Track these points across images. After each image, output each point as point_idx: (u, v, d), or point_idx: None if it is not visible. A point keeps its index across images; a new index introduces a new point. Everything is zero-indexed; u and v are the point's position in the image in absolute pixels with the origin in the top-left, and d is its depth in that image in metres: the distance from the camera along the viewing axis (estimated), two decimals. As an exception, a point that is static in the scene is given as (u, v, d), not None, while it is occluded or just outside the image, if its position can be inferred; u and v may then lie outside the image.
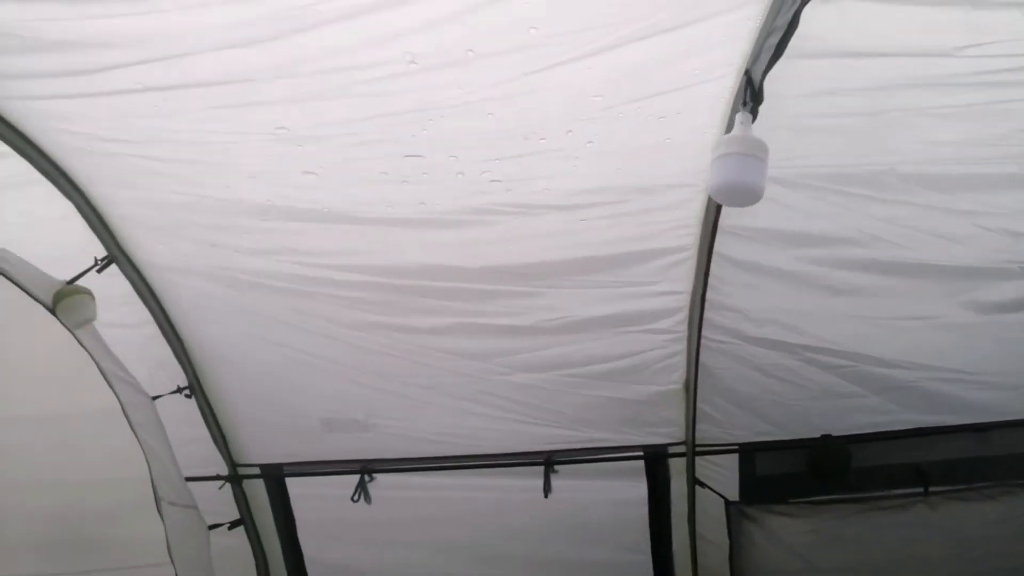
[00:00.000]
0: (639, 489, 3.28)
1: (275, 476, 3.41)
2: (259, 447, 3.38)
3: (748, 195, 1.88)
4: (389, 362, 3.00)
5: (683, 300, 2.76)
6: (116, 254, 2.69)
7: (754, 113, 1.84)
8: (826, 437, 3.06)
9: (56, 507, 3.40)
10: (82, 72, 1.97)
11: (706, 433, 3.13)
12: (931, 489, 3.07)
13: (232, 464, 3.42)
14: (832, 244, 2.58)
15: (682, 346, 2.88)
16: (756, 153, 1.82)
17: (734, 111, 2.06)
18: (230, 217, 2.52)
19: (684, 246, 2.61)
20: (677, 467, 3.24)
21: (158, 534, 2.79)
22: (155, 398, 3.10)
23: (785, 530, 3.21)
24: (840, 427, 3.05)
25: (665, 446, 3.18)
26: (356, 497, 3.34)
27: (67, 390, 2.97)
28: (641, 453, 3.20)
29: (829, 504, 3.16)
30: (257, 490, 3.47)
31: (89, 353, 2.65)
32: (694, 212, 2.49)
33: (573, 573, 3.40)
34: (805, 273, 2.65)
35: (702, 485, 3.21)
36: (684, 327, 2.82)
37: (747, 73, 1.91)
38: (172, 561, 2.73)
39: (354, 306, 2.83)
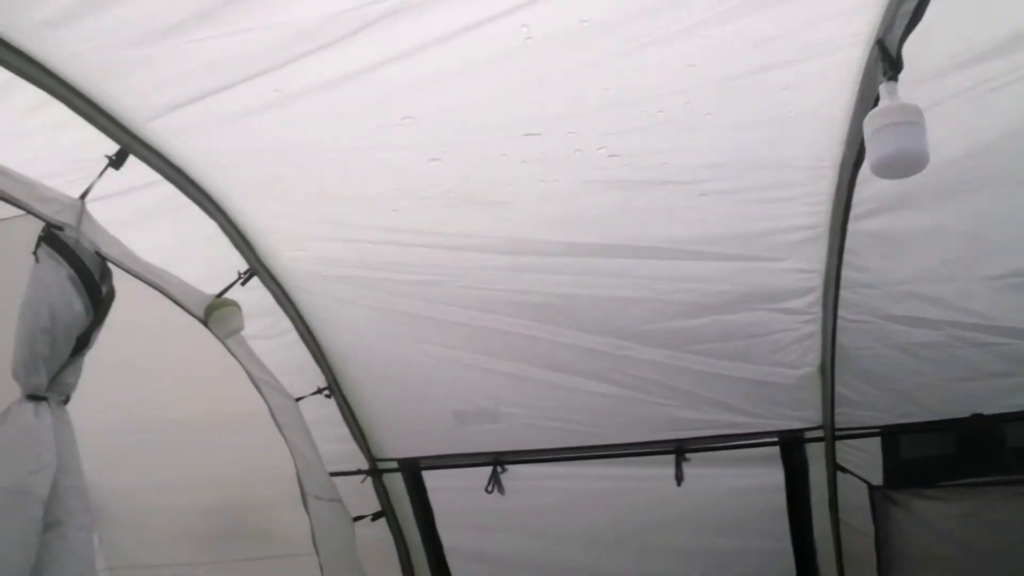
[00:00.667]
0: (775, 476, 3.20)
1: (412, 469, 3.54)
2: (396, 442, 3.52)
3: (914, 164, 1.76)
4: (517, 344, 3.02)
5: (816, 279, 2.66)
6: (257, 267, 2.85)
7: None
8: (977, 416, 2.89)
9: (214, 502, 3.66)
10: (222, 89, 2.06)
11: (845, 416, 3.02)
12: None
13: (372, 459, 3.58)
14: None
15: (816, 327, 2.78)
16: (913, 120, 1.73)
17: (865, 83, 1.97)
18: (361, 214, 2.60)
19: (813, 224, 2.51)
20: (815, 452, 3.14)
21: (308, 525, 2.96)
22: (298, 399, 3.28)
23: (934, 514, 3.06)
24: (992, 407, 2.88)
25: (801, 431, 3.09)
26: (490, 488, 3.42)
27: (221, 395, 3.19)
28: (776, 439, 3.12)
29: (982, 487, 3.00)
30: (396, 483, 3.61)
31: (239, 361, 2.84)
32: (823, 188, 2.39)
33: (711, 562, 3.37)
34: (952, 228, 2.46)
35: (843, 470, 3.11)
36: (818, 308, 2.73)
37: (879, 42, 1.82)
38: (316, 551, 2.88)
39: (481, 287, 2.85)
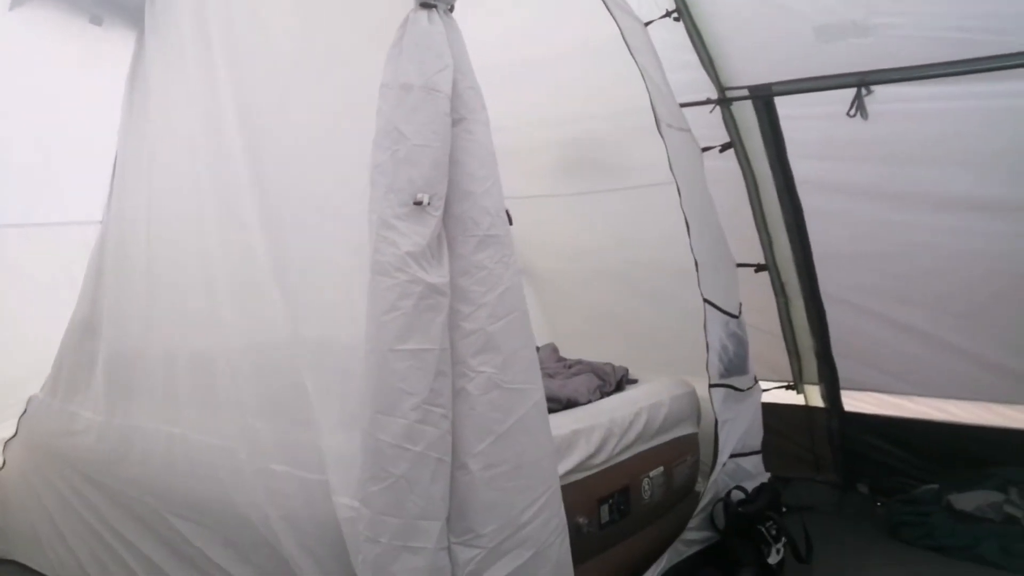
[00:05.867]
0: None
1: (764, 96, 3.40)
2: (748, 67, 3.36)
3: None
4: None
5: None
6: None
7: None
8: None
9: (570, 136, 3.90)
10: None
11: None
12: None
13: (721, 88, 3.49)
14: None
15: None
16: None
17: None
18: None
19: None
20: None
21: (657, 157, 3.01)
22: (647, 24, 3.22)
23: None
24: None
25: None
26: (853, 112, 3.18)
27: (573, 23, 3.24)
28: None
29: None
30: (746, 112, 3.52)
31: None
32: None
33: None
34: None
35: None
36: None
37: None
38: (674, 175, 2.96)
39: None
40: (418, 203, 1.84)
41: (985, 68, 2.85)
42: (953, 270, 3.33)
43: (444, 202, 1.91)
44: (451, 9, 2.06)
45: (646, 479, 2.80)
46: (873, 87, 3.13)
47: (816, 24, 3.01)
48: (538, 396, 1.98)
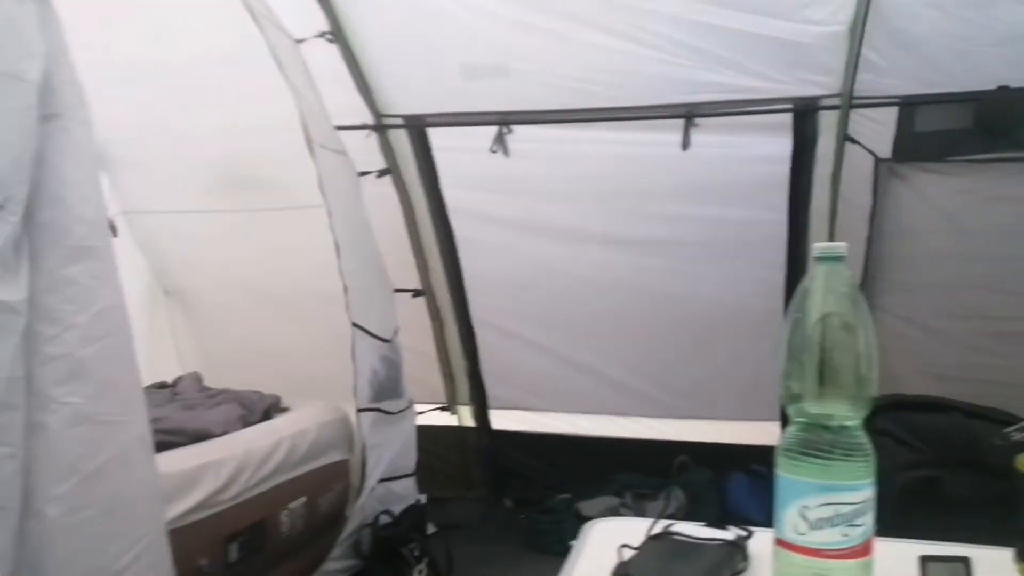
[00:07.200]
0: (783, 146, 3.17)
1: (417, 126, 3.51)
2: (403, 98, 3.44)
3: None
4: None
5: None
6: None
7: None
8: (1003, 89, 2.78)
9: (225, 151, 3.68)
10: None
11: (866, 84, 2.91)
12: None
13: (377, 114, 3.53)
14: None
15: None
16: None
17: None
18: None
19: None
20: (827, 122, 3.08)
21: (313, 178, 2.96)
22: (299, 41, 3.15)
23: (936, 189, 3.08)
24: (1020, 78, 2.76)
25: (818, 98, 3.00)
26: (494, 148, 3.41)
27: (218, 30, 3.06)
28: (791, 106, 3.04)
29: (991, 163, 2.97)
30: (402, 141, 3.60)
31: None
32: None
33: (707, 228, 3.43)
34: None
35: (853, 141, 3.06)
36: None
37: None
38: (323, 196, 2.92)
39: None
40: (-11, 205, 1.58)
41: (602, 118, 3.22)
42: (582, 296, 3.70)
43: (25, 207, 1.65)
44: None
45: (285, 511, 2.69)
46: (513, 126, 3.38)
47: (462, 62, 3.18)
48: (140, 429, 1.78)
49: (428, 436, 3.57)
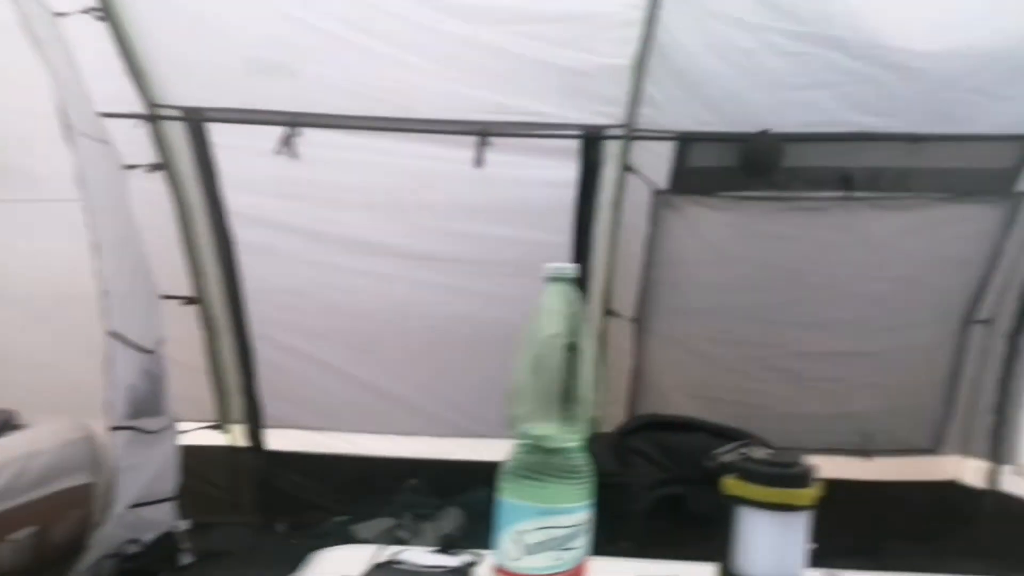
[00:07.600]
0: (570, 171, 3.26)
1: (195, 120, 3.24)
2: (181, 87, 3.16)
3: None
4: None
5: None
6: None
7: None
8: (764, 133, 3.03)
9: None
10: None
11: (646, 118, 3.06)
12: (854, 195, 3.15)
13: (150, 103, 3.22)
14: None
15: (641, 14, 2.69)
16: None
17: None
18: None
19: None
20: (612, 151, 3.20)
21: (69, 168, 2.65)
22: (59, 15, 2.81)
23: (706, 222, 3.30)
24: (780, 124, 3.02)
25: (604, 127, 3.11)
26: (280, 151, 3.22)
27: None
28: (579, 132, 3.13)
29: (754, 200, 3.23)
30: (177, 134, 3.31)
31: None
32: None
33: (491, 246, 3.44)
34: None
35: (633, 171, 3.21)
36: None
37: None
38: (82, 191, 2.63)
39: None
40: None
41: (394, 128, 3.15)
42: (368, 311, 3.58)
43: None
44: None
45: (6, 543, 2.34)
46: (303, 129, 3.21)
47: (245, 56, 2.98)
48: None
49: (195, 457, 3.28)
